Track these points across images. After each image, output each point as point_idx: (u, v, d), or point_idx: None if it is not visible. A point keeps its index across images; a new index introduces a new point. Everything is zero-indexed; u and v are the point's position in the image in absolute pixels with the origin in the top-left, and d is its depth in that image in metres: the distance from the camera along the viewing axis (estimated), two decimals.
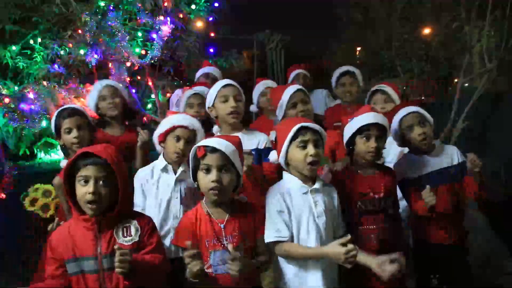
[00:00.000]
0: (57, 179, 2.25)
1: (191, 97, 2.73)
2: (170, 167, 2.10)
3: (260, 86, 3.21)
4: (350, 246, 1.58)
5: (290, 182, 1.84)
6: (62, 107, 2.33)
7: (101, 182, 1.54)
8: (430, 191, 2.00)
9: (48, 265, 1.60)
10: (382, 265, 1.68)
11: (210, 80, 3.28)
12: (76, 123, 2.22)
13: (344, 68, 3.15)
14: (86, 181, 1.53)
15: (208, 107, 2.32)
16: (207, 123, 2.53)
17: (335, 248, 1.61)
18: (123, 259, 1.43)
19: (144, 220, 1.67)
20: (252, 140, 2.24)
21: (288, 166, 1.86)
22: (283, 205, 1.77)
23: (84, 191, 1.53)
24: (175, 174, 2.08)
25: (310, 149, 1.76)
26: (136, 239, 1.60)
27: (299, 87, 2.41)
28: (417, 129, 2.17)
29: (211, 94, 2.28)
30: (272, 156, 2.02)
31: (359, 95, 3.12)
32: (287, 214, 1.77)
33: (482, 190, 2.11)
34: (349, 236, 1.61)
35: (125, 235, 1.59)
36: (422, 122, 2.18)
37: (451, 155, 2.21)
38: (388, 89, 2.66)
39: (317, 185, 1.82)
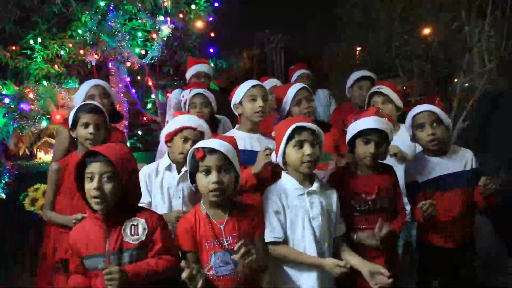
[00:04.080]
0: (55, 164, 2.24)
1: (194, 97, 2.76)
2: (174, 166, 2.11)
3: (267, 84, 3.22)
4: (344, 270, 1.66)
5: (287, 182, 1.85)
6: (85, 102, 2.33)
7: (105, 178, 1.57)
8: (427, 203, 1.93)
9: (72, 262, 1.63)
10: (373, 274, 1.72)
11: (203, 79, 3.29)
12: (95, 120, 2.20)
13: (366, 73, 3.12)
14: (91, 178, 1.57)
15: (234, 105, 2.33)
16: (211, 124, 2.54)
17: (334, 268, 1.68)
18: (111, 280, 1.46)
19: (153, 218, 1.66)
20: (270, 140, 2.25)
21: (286, 166, 1.87)
22: (279, 205, 1.79)
23: (90, 187, 1.57)
24: (179, 173, 2.09)
25: (307, 149, 1.77)
26: (143, 238, 1.60)
27: (304, 85, 2.46)
28: (428, 129, 2.12)
29: (239, 92, 2.29)
30: (273, 156, 2.02)
31: None
32: (282, 215, 1.78)
33: (491, 200, 2.07)
34: (345, 264, 1.67)
35: (132, 233, 1.61)
36: (435, 122, 2.12)
37: (466, 160, 2.15)
38: (387, 90, 2.58)
39: (314, 187, 1.82)
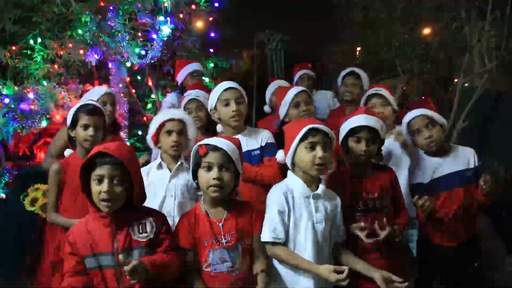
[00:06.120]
0: (56, 165, 2.23)
1: (188, 103, 2.76)
2: (164, 164, 2.13)
3: (273, 85, 3.25)
4: (341, 276, 1.59)
5: (294, 183, 1.84)
6: (86, 102, 2.33)
7: (115, 181, 1.57)
8: (425, 200, 1.98)
9: (67, 260, 1.60)
10: (387, 281, 1.68)
11: (196, 79, 3.31)
12: (94, 122, 2.22)
13: (350, 69, 3.20)
14: (100, 180, 1.56)
15: (210, 110, 2.32)
16: (212, 125, 2.54)
17: (329, 274, 1.62)
18: (134, 271, 1.44)
19: (159, 217, 1.70)
20: (256, 139, 2.26)
21: (294, 167, 1.86)
22: (285, 205, 1.77)
23: (98, 189, 1.55)
24: (171, 171, 2.10)
25: (318, 151, 1.75)
26: (152, 236, 1.62)
27: (303, 88, 2.49)
28: (424, 133, 2.16)
29: (213, 97, 2.28)
30: (279, 155, 2.02)
31: (360, 96, 3.12)
32: (287, 216, 1.77)
33: (487, 199, 2.10)
34: (346, 268, 1.61)
35: (140, 231, 1.62)
36: (430, 124, 2.16)
37: (468, 158, 2.21)
38: (385, 92, 2.60)
39: (319, 191, 1.81)
